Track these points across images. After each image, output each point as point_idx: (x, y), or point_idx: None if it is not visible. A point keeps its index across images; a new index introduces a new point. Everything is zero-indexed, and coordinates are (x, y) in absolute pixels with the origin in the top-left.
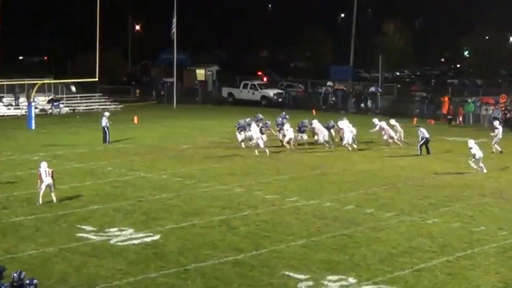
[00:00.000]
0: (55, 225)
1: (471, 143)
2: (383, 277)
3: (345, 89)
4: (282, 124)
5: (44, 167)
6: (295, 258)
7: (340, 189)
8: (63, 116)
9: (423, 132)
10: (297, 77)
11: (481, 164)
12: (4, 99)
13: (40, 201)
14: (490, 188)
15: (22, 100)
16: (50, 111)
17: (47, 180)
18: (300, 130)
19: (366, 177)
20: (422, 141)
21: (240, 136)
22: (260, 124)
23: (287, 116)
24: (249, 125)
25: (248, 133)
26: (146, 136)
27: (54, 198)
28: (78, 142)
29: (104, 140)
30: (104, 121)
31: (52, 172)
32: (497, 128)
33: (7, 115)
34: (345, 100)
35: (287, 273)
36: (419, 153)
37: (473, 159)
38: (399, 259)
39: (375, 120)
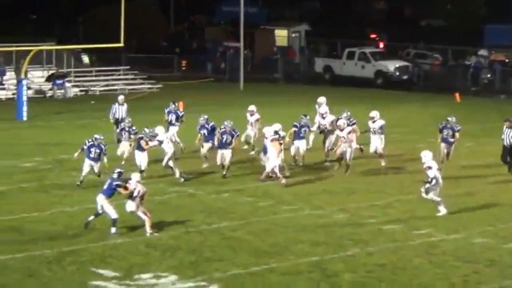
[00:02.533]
0: (57, 267)
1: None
2: None
3: (507, 60)
4: (212, 130)
5: (135, 180)
6: None
7: (497, 217)
8: (70, 100)
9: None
10: (432, 43)
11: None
12: None
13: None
14: None
15: (9, 76)
16: (50, 92)
17: (130, 206)
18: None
19: None
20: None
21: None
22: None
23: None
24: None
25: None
26: (196, 131)
27: (148, 231)
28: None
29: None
30: (115, 110)
31: (144, 193)
32: None
33: None
34: (507, 78)
35: None
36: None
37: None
38: None
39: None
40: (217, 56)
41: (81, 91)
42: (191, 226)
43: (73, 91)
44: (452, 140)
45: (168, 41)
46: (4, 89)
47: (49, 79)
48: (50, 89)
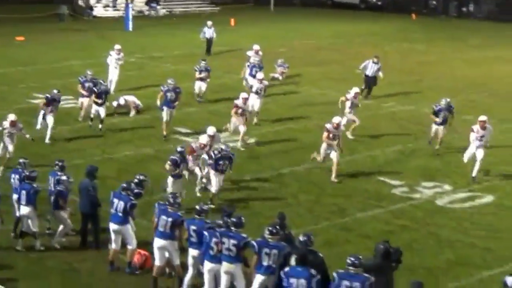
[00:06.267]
0: (151, 129)
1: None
2: (479, 185)
3: None
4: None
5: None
6: (390, 165)
7: (438, 94)
8: (160, 18)
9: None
10: None
11: None
12: (103, 0)
13: None
14: None
15: (120, 1)
16: (147, 12)
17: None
18: None
19: (466, 84)
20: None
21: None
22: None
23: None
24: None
25: None
26: (242, 40)
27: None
28: (175, 44)
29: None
30: (205, 31)
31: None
32: None
33: (105, 16)
34: (447, 2)
35: (382, 179)
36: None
37: None
38: (500, 167)
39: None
40: None
41: (167, 11)
42: None
43: (162, 12)
44: None
45: None
46: (117, 10)
47: (147, 3)
48: (147, 10)
